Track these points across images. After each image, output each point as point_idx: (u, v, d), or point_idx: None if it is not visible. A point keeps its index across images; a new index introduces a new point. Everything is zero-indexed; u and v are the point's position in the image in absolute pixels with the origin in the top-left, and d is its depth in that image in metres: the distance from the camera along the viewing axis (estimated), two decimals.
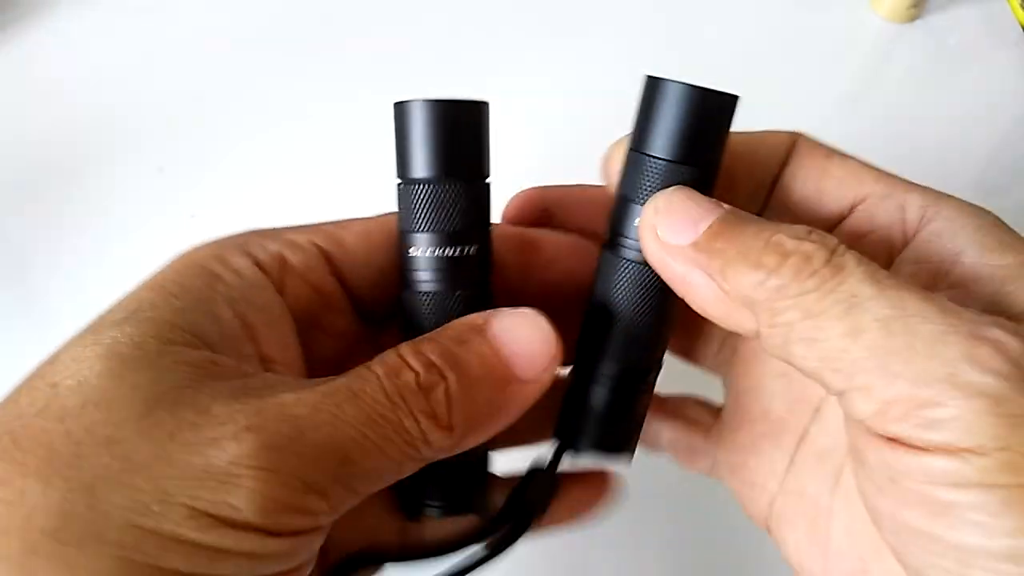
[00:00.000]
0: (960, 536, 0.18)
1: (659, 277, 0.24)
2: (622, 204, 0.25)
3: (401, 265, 0.25)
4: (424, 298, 0.25)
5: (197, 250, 0.24)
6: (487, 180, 0.26)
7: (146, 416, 0.18)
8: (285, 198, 0.48)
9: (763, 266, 0.21)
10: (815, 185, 0.26)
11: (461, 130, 0.24)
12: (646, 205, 0.23)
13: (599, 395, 0.26)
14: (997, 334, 0.19)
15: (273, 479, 0.18)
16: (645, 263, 0.24)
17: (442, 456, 0.22)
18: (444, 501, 0.26)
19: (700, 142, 0.24)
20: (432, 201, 0.24)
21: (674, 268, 0.23)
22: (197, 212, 0.47)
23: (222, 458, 0.18)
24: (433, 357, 0.22)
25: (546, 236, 0.28)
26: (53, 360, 0.20)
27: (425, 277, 0.25)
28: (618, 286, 0.25)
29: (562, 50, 0.55)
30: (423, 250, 0.25)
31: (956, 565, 0.19)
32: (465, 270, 0.25)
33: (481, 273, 0.25)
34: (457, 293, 0.25)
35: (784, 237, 0.21)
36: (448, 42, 0.55)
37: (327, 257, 0.25)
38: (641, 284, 0.25)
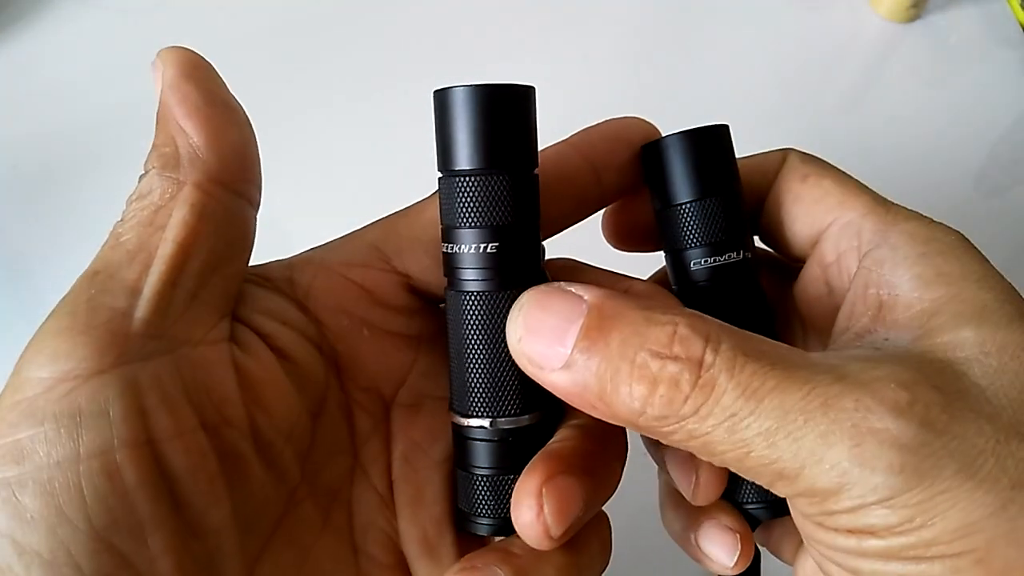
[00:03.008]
0: None
1: (738, 267, 0.25)
2: (675, 257, 0.26)
3: (444, 262, 0.24)
4: (470, 297, 0.23)
5: None
6: (535, 171, 0.24)
7: None
8: (286, 198, 0.48)
9: (636, 397, 0.20)
10: (788, 212, 0.26)
11: (509, 116, 0.23)
12: (508, 324, 0.22)
13: None
14: (880, 422, 0.18)
15: None
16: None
17: None
18: (494, 518, 0.24)
19: (710, 173, 0.25)
20: (479, 194, 0.22)
21: (566, 390, 0.21)
22: None
23: None
24: None
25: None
26: None
27: (471, 276, 0.23)
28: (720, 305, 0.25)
29: (558, 51, 0.55)
30: (469, 247, 0.23)
31: None
32: (517, 267, 0.23)
33: (534, 269, 0.24)
34: (507, 292, 0.23)
35: (648, 358, 0.20)
36: (453, 38, 0.56)
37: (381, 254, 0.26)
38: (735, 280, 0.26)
